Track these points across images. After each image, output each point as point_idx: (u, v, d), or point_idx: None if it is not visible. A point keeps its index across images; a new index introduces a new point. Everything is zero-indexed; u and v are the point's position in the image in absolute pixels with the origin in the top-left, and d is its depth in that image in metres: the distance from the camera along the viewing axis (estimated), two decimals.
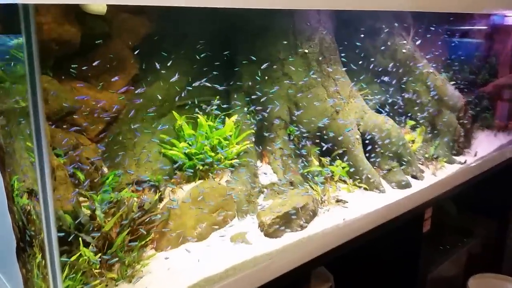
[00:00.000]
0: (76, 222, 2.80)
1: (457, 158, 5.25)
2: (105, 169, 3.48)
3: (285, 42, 4.13)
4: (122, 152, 3.45)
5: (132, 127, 3.48)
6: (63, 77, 3.29)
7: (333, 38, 4.48)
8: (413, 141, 4.99)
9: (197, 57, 3.73)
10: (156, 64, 3.49)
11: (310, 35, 4.26)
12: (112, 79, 3.46)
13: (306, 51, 4.21)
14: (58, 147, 3.13)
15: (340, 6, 3.39)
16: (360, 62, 4.81)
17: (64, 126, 3.29)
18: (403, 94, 5.16)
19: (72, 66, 3.26)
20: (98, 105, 3.41)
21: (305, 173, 4.05)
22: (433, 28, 5.43)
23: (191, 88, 3.72)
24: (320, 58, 4.30)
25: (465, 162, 5.21)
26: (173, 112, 3.72)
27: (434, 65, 5.43)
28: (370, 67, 4.87)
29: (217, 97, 3.87)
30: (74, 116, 3.31)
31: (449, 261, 5.88)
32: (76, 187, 3.12)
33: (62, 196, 2.91)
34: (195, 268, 2.94)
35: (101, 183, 3.20)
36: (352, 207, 3.88)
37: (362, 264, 4.94)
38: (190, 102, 3.86)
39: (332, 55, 4.41)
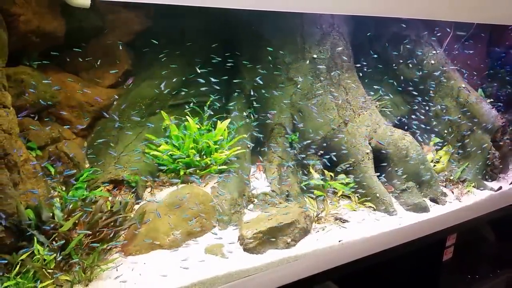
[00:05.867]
0: (38, 218, 2.70)
1: (489, 184, 4.72)
2: (87, 164, 3.37)
3: (292, 46, 3.86)
4: (104, 149, 3.32)
5: (118, 124, 3.34)
6: (50, 70, 3.21)
7: (347, 43, 4.16)
8: (437, 161, 4.55)
9: (195, 56, 3.57)
10: (149, 60, 3.36)
11: (320, 40, 3.97)
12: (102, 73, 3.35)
13: (315, 56, 3.93)
14: (34, 140, 3.04)
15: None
16: (380, 71, 4.44)
17: (47, 119, 3.21)
18: (428, 109, 4.72)
19: (59, 59, 3.18)
20: (84, 100, 3.31)
21: (304, 186, 3.75)
22: (471, 39, 4.97)
23: (185, 88, 3.56)
24: (330, 65, 3.99)
25: (499, 189, 4.67)
26: (162, 111, 3.56)
27: (468, 80, 4.95)
28: (392, 77, 4.50)
29: (211, 99, 3.67)
30: (57, 109, 3.22)
31: None
32: (49, 181, 3.03)
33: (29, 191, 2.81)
34: (161, 278, 2.73)
35: (75, 179, 3.08)
36: (353, 227, 3.54)
37: (375, 286, 4.54)
38: (183, 102, 3.68)
39: (345, 61, 4.09)
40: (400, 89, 4.66)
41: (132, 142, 3.40)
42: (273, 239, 3.12)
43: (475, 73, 5.17)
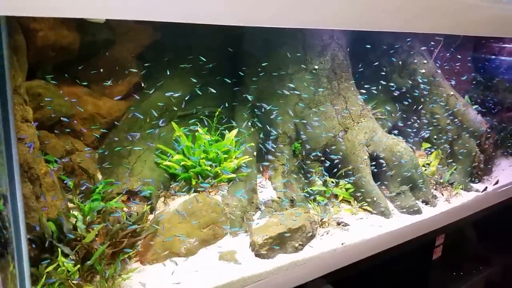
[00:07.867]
0: (60, 231, 2.77)
1: (475, 186, 4.97)
2: (100, 176, 3.44)
3: (294, 57, 4.01)
4: (117, 160, 3.40)
5: (129, 135, 3.42)
6: (63, 83, 3.27)
7: (346, 55, 4.34)
8: (428, 165, 4.77)
9: (202, 67, 3.67)
10: (159, 72, 3.45)
11: (321, 51, 4.14)
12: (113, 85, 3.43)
13: (316, 67, 4.09)
14: (51, 152, 3.10)
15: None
16: (375, 81, 4.63)
17: (58, 132, 3.27)
18: (420, 116, 4.95)
19: (71, 72, 3.24)
20: (96, 112, 3.38)
21: (307, 192, 3.91)
22: (458, 48, 5.22)
23: (193, 99, 3.66)
24: (330, 75, 4.17)
25: (484, 190, 4.93)
26: (172, 123, 3.66)
27: (457, 86, 5.20)
28: (386, 87, 4.70)
29: (219, 109, 3.79)
30: (70, 122, 3.28)
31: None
32: (66, 194, 3.10)
33: (49, 203, 2.88)
34: (179, 286, 2.84)
35: (91, 191, 3.15)
36: (354, 230, 3.71)
37: (370, 286, 4.73)
38: (191, 113, 3.79)
39: (344, 72, 4.27)
40: (401, 98, 4.86)
41: (144, 152, 3.49)
42: (282, 244, 3.26)
43: (462, 81, 5.43)
